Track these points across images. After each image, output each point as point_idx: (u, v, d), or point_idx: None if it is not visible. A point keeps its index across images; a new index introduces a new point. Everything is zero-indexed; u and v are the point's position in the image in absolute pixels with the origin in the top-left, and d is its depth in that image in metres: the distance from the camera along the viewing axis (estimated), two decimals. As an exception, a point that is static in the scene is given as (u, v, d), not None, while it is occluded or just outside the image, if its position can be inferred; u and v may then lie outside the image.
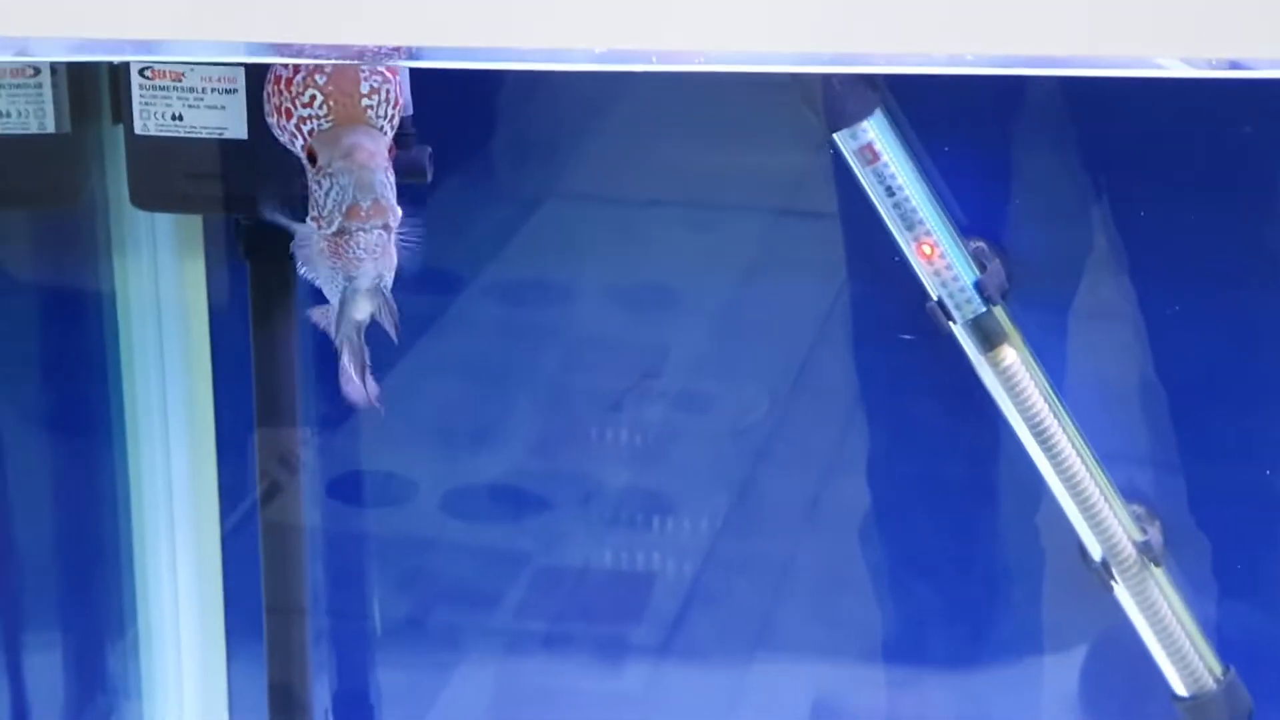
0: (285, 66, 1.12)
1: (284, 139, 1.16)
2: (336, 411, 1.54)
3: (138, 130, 1.32)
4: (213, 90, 1.30)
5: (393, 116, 1.14)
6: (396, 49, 1.03)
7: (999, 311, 1.41)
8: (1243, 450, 1.46)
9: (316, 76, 1.12)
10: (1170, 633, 1.46)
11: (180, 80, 1.29)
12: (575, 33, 0.99)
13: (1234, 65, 0.97)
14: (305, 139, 1.13)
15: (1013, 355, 1.41)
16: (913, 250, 1.40)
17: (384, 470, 1.60)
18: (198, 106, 1.30)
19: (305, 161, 1.14)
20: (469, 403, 1.56)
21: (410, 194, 1.39)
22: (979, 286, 1.40)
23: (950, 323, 1.41)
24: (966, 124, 1.38)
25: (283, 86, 1.13)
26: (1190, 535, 1.47)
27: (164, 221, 1.47)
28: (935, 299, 1.41)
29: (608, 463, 1.57)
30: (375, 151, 1.10)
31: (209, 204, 1.37)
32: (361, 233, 1.11)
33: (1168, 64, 0.97)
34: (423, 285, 1.42)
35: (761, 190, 1.47)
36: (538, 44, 0.99)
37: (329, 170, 1.11)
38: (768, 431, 1.54)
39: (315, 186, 1.13)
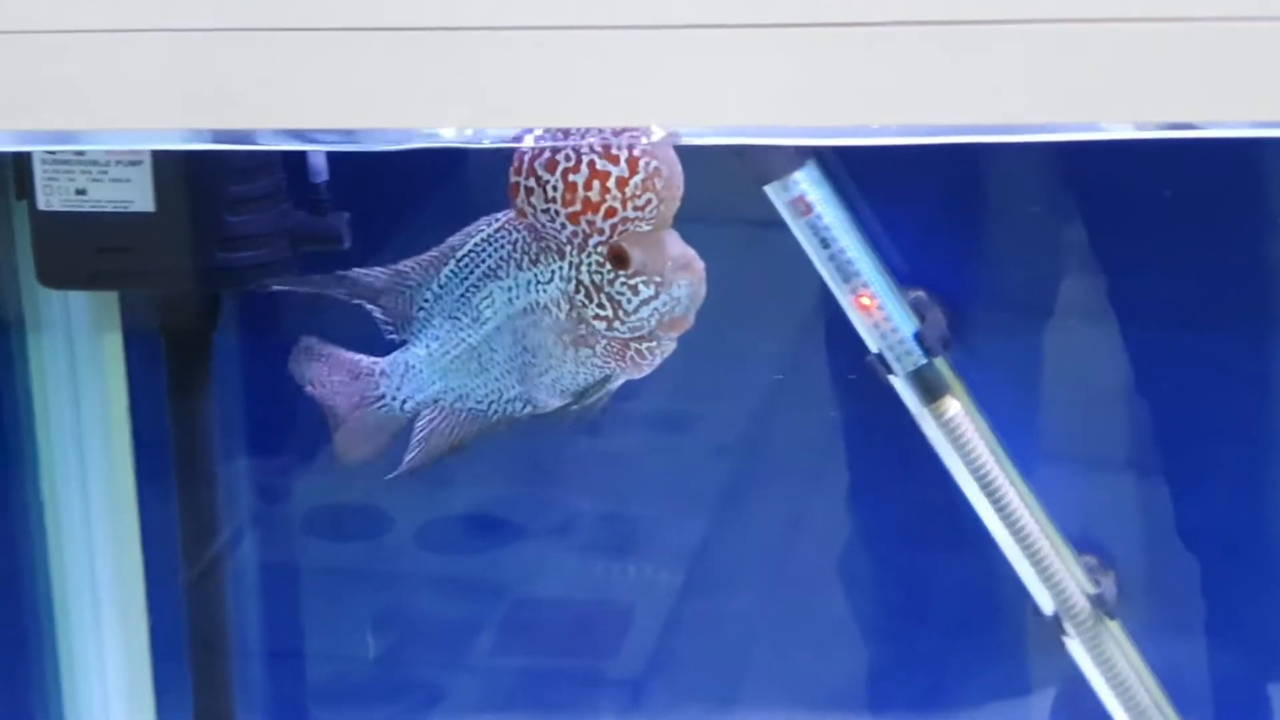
0: (613, 161, 1.05)
1: (563, 230, 1.08)
2: (309, 449, 1.53)
3: (41, 206, 1.30)
4: (117, 163, 1.28)
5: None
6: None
7: (940, 363, 1.40)
8: (1196, 496, 1.45)
9: (655, 181, 1.05)
10: (1127, 686, 1.44)
11: (82, 154, 1.27)
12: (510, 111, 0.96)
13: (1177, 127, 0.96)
14: (611, 236, 1.07)
15: (956, 407, 1.40)
16: (850, 303, 1.38)
17: (359, 505, 1.59)
18: (102, 180, 1.29)
19: (602, 260, 1.08)
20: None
21: (370, 224, 1.39)
22: (919, 337, 1.39)
23: (891, 376, 1.40)
24: (901, 171, 1.36)
25: (614, 184, 1.05)
26: (1146, 586, 1.46)
27: (78, 297, 1.45)
28: (875, 352, 1.40)
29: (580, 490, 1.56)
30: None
31: (120, 280, 1.36)
32: (669, 343, 1.09)
33: (1112, 128, 0.96)
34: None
35: (705, 222, 1.45)
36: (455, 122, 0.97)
37: (655, 279, 1.06)
38: (718, 489, 1.53)
39: (623, 290, 1.07)
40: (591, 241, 1.07)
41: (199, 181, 1.29)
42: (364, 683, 1.62)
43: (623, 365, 1.10)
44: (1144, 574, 1.46)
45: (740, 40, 0.94)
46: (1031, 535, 1.42)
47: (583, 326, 1.09)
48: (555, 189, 1.06)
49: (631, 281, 1.06)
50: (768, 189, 1.35)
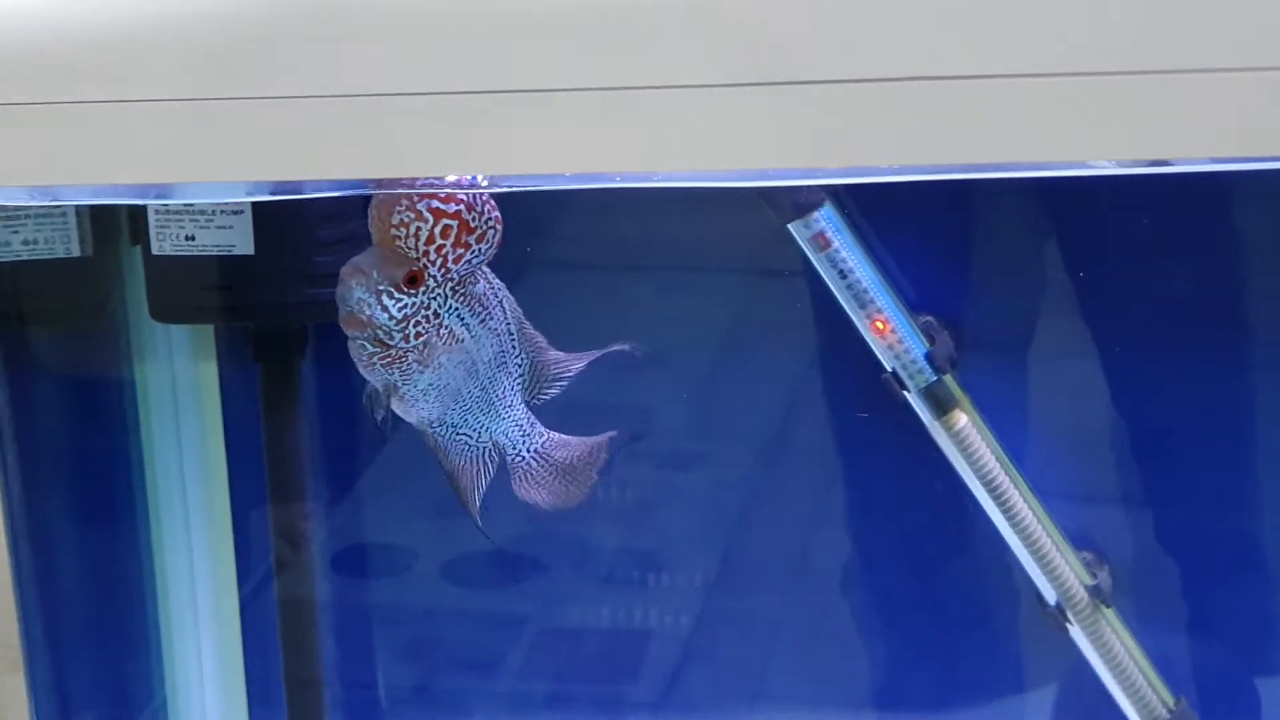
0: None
1: None
2: (339, 491, 1.63)
3: (154, 251, 1.42)
4: (221, 212, 1.40)
5: (426, 251, 1.20)
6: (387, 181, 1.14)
7: (949, 380, 1.48)
8: (1180, 497, 1.54)
9: (371, 202, 1.21)
10: (1123, 667, 1.53)
11: (192, 204, 1.39)
12: (547, 157, 1.11)
13: (1155, 164, 1.09)
14: None
15: (964, 419, 1.48)
16: (867, 327, 1.47)
17: (386, 542, 1.67)
18: (208, 227, 1.40)
19: None
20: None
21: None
22: (929, 358, 1.47)
23: (904, 391, 1.49)
24: (908, 208, 1.46)
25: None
26: (1137, 577, 1.55)
27: (180, 331, 1.55)
28: (890, 370, 1.48)
29: (600, 524, 1.63)
30: (367, 273, 1.19)
31: (220, 314, 1.47)
32: (349, 340, 1.23)
33: (1098, 165, 1.09)
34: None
35: (737, 256, 1.54)
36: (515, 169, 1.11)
37: None
38: (749, 492, 1.60)
39: None
40: None
41: (291, 226, 1.41)
42: (399, 708, 1.71)
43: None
44: (1137, 567, 1.55)
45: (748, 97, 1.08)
46: (1035, 533, 1.51)
47: None
48: None
49: None
50: (791, 226, 1.44)
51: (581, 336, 1.51)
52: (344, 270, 1.20)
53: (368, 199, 1.25)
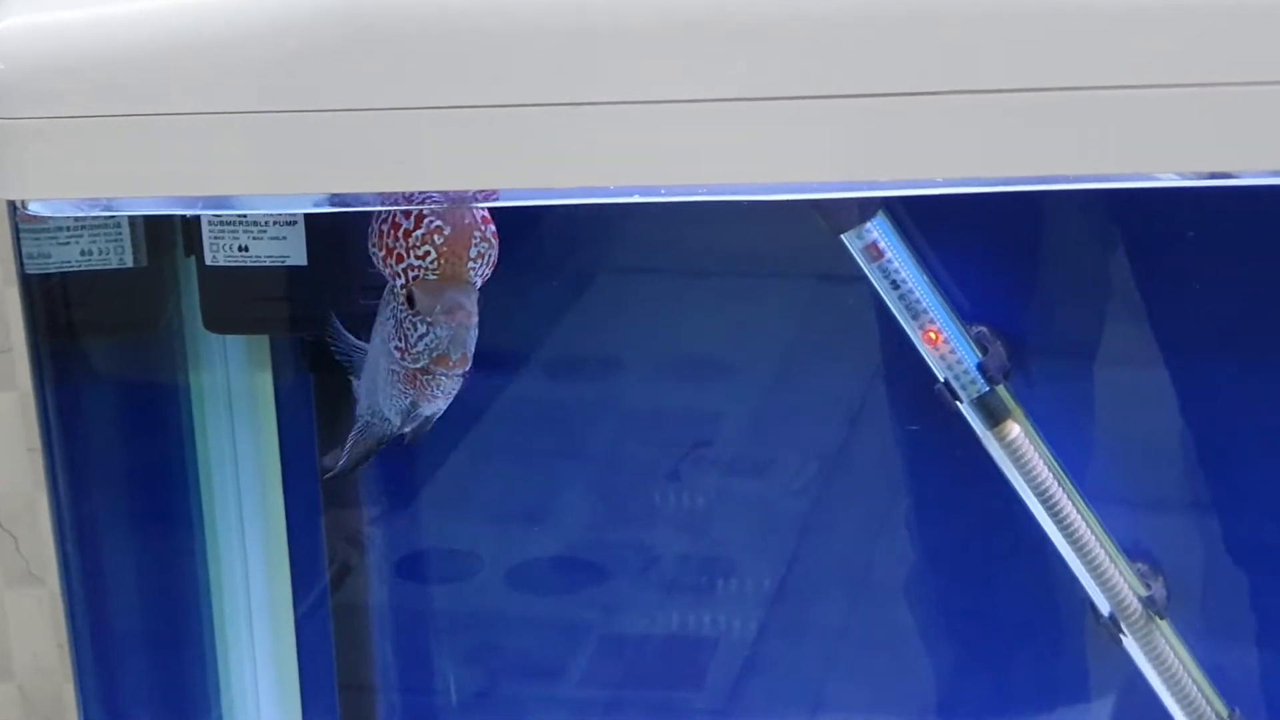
0: (406, 216, 1.21)
1: (382, 270, 1.26)
2: (401, 497, 1.65)
3: (208, 262, 1.43)
4: (275, 224, 1.41)
5: (487, 274, 1.24)
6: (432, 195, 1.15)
7: (1001, 390, 1.48)
8: (1235, 508, 1.54)
9: (435, 236, 1.21)
10: (1177, 679, 1.53)
11: (245, 216, 1.41)
12: (596, 171, 1.11)
13: (1219, 176, 1.09)
14: (408, 282, 1.23)
15: (1016, 429, 1.48)
16: (919, 337, 1.48)
17: (449, 548, 1.68)
18: (261, 238, 1.41)
19: (403, 300, 1.24)
20: (528, 479, 1.64)
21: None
22: (982, 368, 1.48)
23: (957, 402, 1.49)
24: (961, 220, 1.46)
25: (401, 235, 1.22)
26: (1192, 589, 1.55)
27: (235, 341, 1.57)
28: (942, 381, 1.49)
29: (663, 532, 1.64)
30: (472, 312, 1.22)
31: (274, 325, 1.49)
32: (444, 377, 1.25)
33: (1161, 177, 1.08)
34: (477, 365, 1.51)
35: (792, 264, 1.54)
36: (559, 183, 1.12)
37: (428, 319, 1.23)
38: (802, 501, 1.61)
39: (409, 326, 1.24)
40: (397, 283, 1.23)
41: (344, 237, 1.42)
42: (457, 715, 1.72)
43: (420, 395, 1.27)
44: (1191, 579, 1.54)
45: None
46: (1088, 544, 1.51)
47: (395, 362, 1.25)
48: (374, 235, 1.24)
49: (413, 319, 1.22)
50: (843, 237, 1.45)
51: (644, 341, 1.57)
52: (454, 317, 1.22)
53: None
